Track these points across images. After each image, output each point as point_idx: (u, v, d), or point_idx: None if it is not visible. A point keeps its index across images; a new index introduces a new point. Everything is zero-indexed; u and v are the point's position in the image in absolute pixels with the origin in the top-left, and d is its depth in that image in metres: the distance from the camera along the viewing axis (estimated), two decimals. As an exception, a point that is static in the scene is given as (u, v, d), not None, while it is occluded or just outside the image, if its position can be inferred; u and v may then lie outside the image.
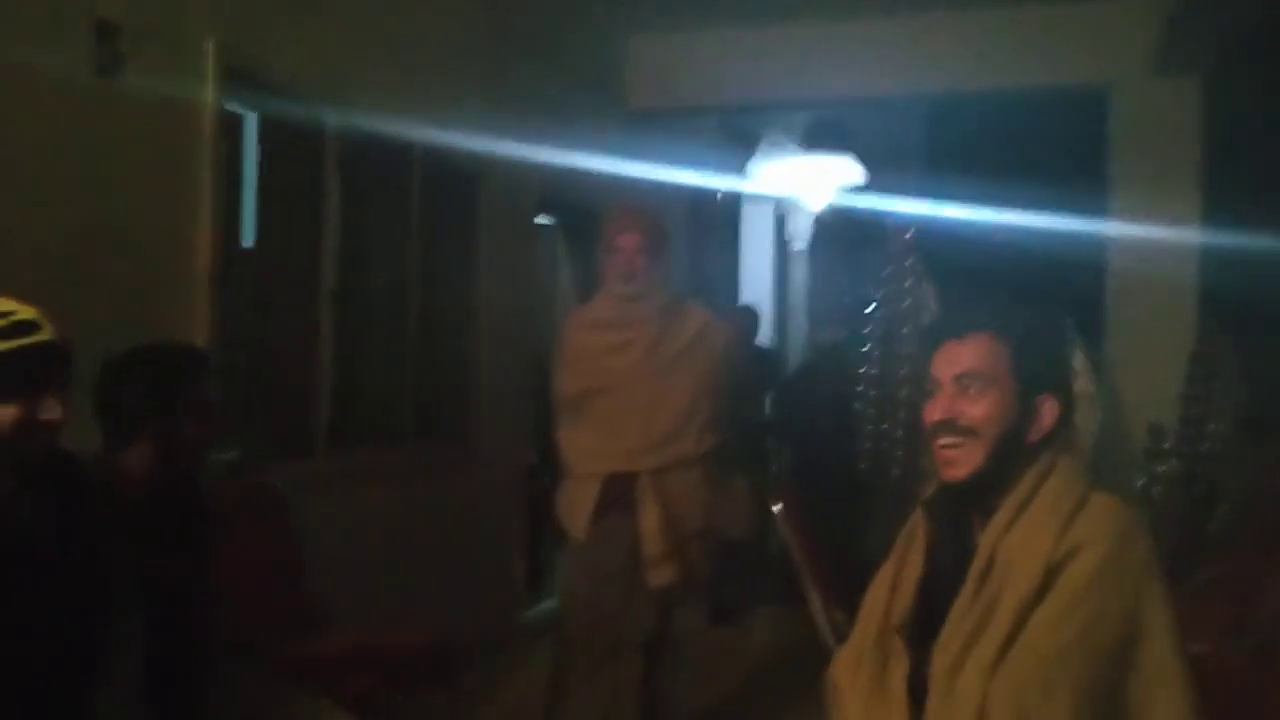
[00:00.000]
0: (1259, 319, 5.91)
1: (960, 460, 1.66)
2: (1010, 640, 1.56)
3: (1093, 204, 5.84)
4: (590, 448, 3.39)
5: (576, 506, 3.37)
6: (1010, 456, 1.66)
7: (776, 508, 3.67)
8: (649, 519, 3.27)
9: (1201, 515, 4.77)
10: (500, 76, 5.30)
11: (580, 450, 3.41)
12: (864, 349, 5.59)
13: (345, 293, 4.19)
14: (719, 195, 8.87)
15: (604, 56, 6.35)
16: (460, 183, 5.02)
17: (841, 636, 3.50)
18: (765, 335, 9.53)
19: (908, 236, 5.49)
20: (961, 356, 1.68)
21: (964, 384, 1.67)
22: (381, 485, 4.38)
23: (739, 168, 8.76)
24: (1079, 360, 5.22)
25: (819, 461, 6.02)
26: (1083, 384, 5.16)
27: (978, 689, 1.55)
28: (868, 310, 5.64)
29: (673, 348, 3.40)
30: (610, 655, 3.31)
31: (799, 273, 10.15)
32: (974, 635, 1.60)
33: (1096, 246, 5.82)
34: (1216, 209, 5.65)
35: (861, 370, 5.58)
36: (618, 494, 3.31)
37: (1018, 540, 1.63)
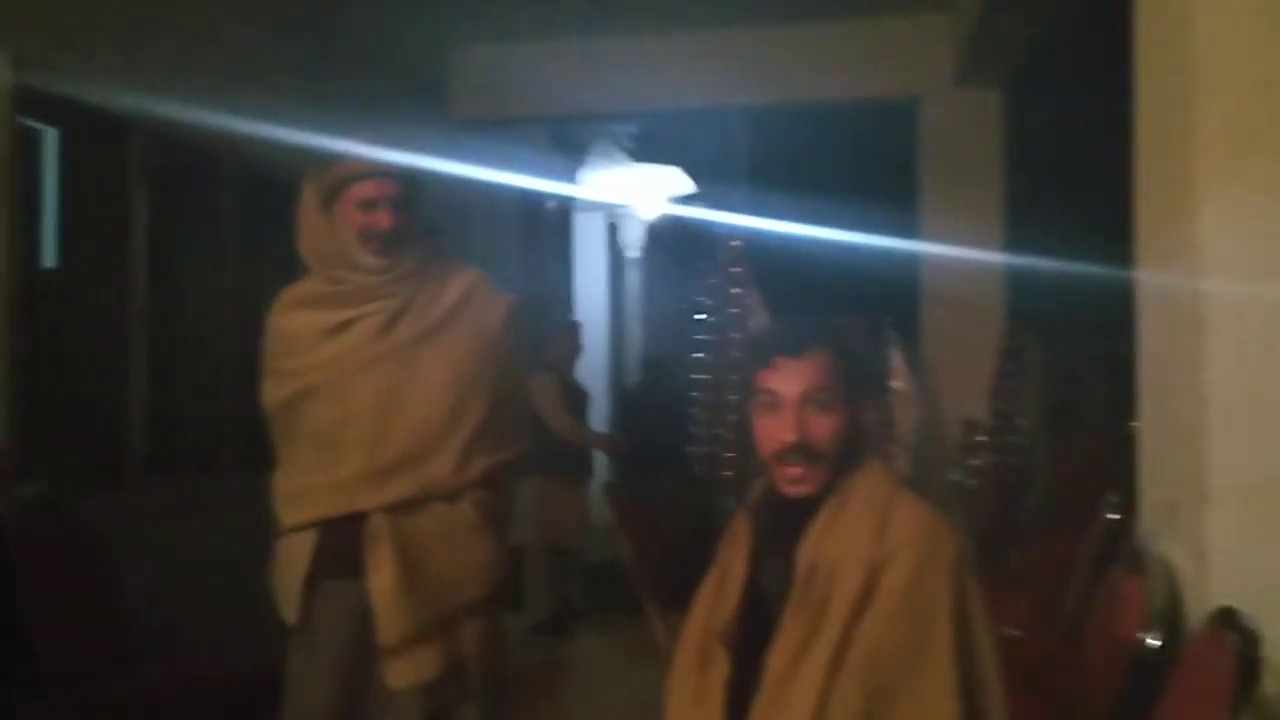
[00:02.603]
0: (1062, 315, 6.28)
1: (808, 479, 1.69)
2: (845, 643, 1.60)
3: (907, 211, 6.08)
4: (297, 485, 2.30)
5: (286, 575, 2.29)
6: (844, 466, 1.72)
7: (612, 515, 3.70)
8: (381, 582, 2.19)
9: (1012, 504, 5.01)
10: (321, 87, 5.17)
11: (285, 491, 2.32)
12: (697, 355, 5.68)
13: (157, 312, 4.02)
14: (551, 203, 8.85)
15: (427, 67, 6.28)
16: (277, 194, 4.87)
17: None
18: (601, 343, 9.64)
19: (735, 245, 5.61)
20: (804, 374, 1.70)
21: (810, 401, 1.69)
22: (200, 515, 4.20)
23: (569, 176, 8.78)
24: (897, 360, 5.42)
25: (655, 466, 6.09)
26: (901, 383, 5.37)
27: (814, 694, 1.58)
28: (699, 318, 5.74)
29: (420, 322, 2.32)
30: None
31: (633, 280, 10.28)
32: (806, 640, 1.63)
33: (909, 252, 6.05)
34: (1018, 212, 5.96)
35: (695, 377, 5.67)
36: (338, 550, 2.23)
37: (837, 545, 1.68)
